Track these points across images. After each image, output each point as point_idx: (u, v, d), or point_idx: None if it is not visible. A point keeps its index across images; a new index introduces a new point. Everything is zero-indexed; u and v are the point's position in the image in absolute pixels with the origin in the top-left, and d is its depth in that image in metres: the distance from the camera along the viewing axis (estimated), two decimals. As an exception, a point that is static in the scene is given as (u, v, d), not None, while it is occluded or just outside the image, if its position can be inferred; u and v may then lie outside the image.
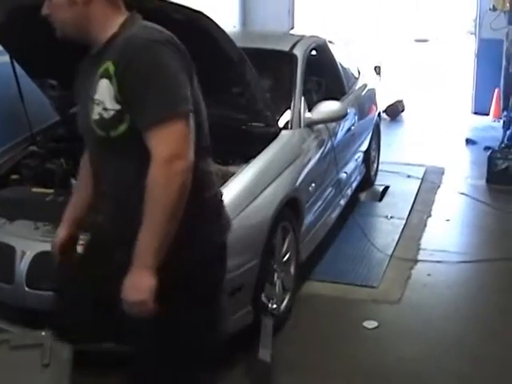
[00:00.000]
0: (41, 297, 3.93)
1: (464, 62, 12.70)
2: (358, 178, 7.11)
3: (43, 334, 3.35)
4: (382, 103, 11.09)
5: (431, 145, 10.12)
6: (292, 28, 11.44)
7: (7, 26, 4.52)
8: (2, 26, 4.55)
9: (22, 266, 3.97)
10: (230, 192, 4.23)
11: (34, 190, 4.57)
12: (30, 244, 4.04)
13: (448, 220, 6.98)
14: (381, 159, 8.30)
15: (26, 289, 3.95)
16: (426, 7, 19.12)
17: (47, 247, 3.88)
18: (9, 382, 3.14)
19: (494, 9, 11.07)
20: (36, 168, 4.87)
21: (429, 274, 5.69)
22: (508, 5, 10.70)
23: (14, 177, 4.81)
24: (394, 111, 11.80)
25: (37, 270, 3.95)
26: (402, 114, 12.00)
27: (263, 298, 4.35)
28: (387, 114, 11.65)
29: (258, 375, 3.78)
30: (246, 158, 4.61)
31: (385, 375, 4.27)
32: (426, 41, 19.04)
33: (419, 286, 5.50)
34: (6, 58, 4.99)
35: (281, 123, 5.11)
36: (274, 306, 4.52)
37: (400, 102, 11.93)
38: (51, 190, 4.53)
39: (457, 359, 4.45)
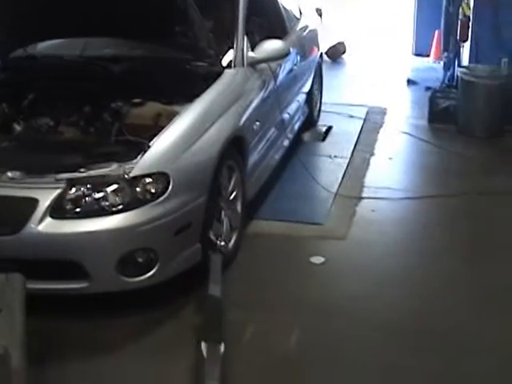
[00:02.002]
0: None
1: (406, 4, 12.74)
2: (301, 119, 7.14)
3: (-5, 279, 3.36)
4: (324, 45, 11.14)
5: (373, 86, 10.19)
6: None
7: None
8: None
9: (-33, 208, 3.90)
10: (175, 131, 4.24)
11: (-24, 135, 4.51)
12: (-26, 188, 3.97)
13: (391, 158, 7.08)
14: (323, 100, 8.33)
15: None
16: None
17: (-8, 190, 3.89)
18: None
19: None
20: (-24, 113, 4.79)
21: (373, 210, 5.80)
22: None
23: (-46, 123, 4.71)
24: (336, 53, 11.83)
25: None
26: (343, 55, 12.03)
27: (211, 235, 4.38)
28: (328, 56, 11.66)
29: (209, 310, 3.81)
30: (191, 97, 4.59)
31: (331, 309, 4.34)
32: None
33: (364, 223, 5.58)
34: None
35: (224, 62, 5.09)
36: (222, 243, 4.55)
37: (341, 43, 11.95)
38: (-8, 135, 4.46)
39: (401, 294, 4.54)
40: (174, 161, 4.08)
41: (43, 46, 5.50)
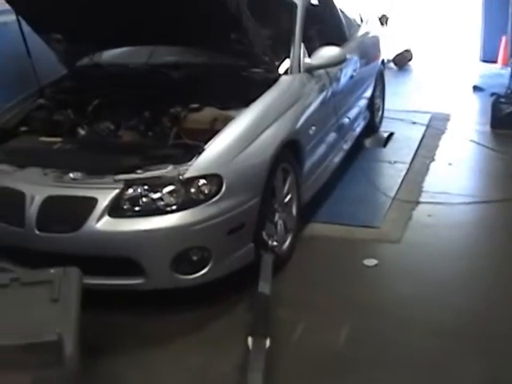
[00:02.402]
0: (50, 239, 4.11)
1: (473, 10, 12.67)
2: (362, 124, 7.22)
3: (52, 271, 3.56)
4: (390, 52, 11.19)
5: (438, 92, 10.20)
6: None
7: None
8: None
9: (32, 210, 4.13)
10: (229, 135, 4.40)
11: (42, 139, 4.74)
12: (39, 189, 4.20)
13: (450, 164, 7.10)
14: (387, 107, 8.40)
15: (37, 232, 4.12)
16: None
17: (56, 192, 4.12)
18: (20, 316, 3.33)
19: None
20: (44, 119, 5.04)
21: (429, 215, 5.83)
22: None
23: (23, 128, 4.97)
24: (402, 60, 11.85)
25: (46, 213, 4.12)
26: (410, 62, 12.03)
27: (264, 235, 4.51)
28: (395, 63, 11.71)
29: (257, 307, 3.95)
30: (246, 102, 4.74)
31: (382, 310, 4.42)
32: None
33: (420, 227, 5.63)
34: (13, 16, 5.14)
35: (281, 69, 5.23)
36: (275, 243, 4.68)
37: (408, 51, 11.96)
38: (59, 139, 4.69)
39: (454, 296, 4.57)
40: (227, 163, 4.24)
41: (109, 55, 5.74)
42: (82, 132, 4.88)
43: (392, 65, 11.75)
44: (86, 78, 5.48)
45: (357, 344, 4.04)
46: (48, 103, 5.21)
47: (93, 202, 4.05)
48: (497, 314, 4.35)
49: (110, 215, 4.04)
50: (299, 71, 5.33)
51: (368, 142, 7.64)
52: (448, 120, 8.65)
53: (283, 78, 5.12)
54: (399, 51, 11.84)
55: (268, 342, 3.65)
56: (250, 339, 3.65)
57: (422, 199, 6.15)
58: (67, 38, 5.38)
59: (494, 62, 11.72)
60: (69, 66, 5.65)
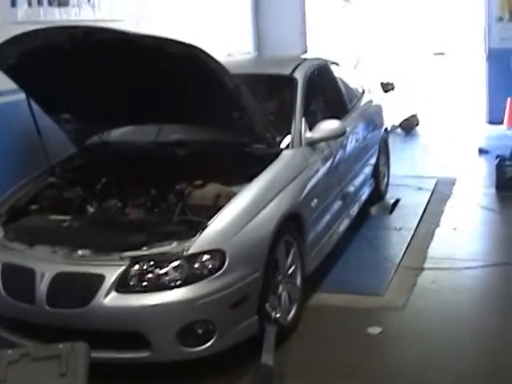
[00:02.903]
0: (60, 314, 4.26)
1: (478, 73, 12.91)
2: (367, 192, 7.37)
3: (60, 346, 3.71)
4: (397, 118, 11.39)
5: (444, 156, 10.37)
6: (305, 51, 11.71)
7: (21, 66, 4.89)
8: (16, 67, 4.92)
9: (42, 286, 4.29)
10: (232, 211, 4.56)
11: (52, 217, 4.92)
12: (48, 266, 4.36)
13: (455, 229, 7.20)
14: (394, 173, 8.55)
15: (47, 307, 4.27)
16: (439, 20, 19.32)
17: (65, 268, 4.29)
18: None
19: (501, 19, 11.31)
20: (54, 197, 5.21)
21: (434, 281, 5.92)
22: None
23: (34, 207, 5.14)
24: (409, 125, 12.04)
25: (56, 289, 4.28)
26: (417, 127, 12.22)
27: (267, 308, 4.63)
28: (402, 129, 11.91)
29: (261, 379, 4.06)
30: (249, 178, 4.92)
31: (385, 377, 4.51)
32: (442, 54, 19.23)
33: (424, 293, 5.73)
34: (23, 95, 5.36)
35: (283, 144, 5.41)
36: (278, 315, 4.79)
37: (414, 116, 12.16)
38: (68, 217, 4.87)
39: (459, 360, 4.65)
40: (230, 238, 4.39)
41: (117, 133, 5.94)
42: (90, 210, 5.06)
43: (399, 130, 11.95)
44: (95, 157, 5.67)
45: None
46: (58, 181, 5.37)
47: (100, 278, 4.21)
48: (504, 376, 4.44)
49: (117, 291, 4.19)
50: (300, 145, 5.50)
51: (374, 210, 7.78)
52: (454, 184, 8.79)
53: (284, 152, 5.30)
54: (406, 116, 12.04)
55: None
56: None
57: (426, 265, 6.25)
58: (76, 117, 5.58)
59: (501, 123, 11.89)
60: (78, 145, 5.84)
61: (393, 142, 8.91)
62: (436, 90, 14.54)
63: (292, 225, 5.03)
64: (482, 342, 4.94)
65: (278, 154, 5.25)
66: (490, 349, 4.83)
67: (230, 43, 10.14)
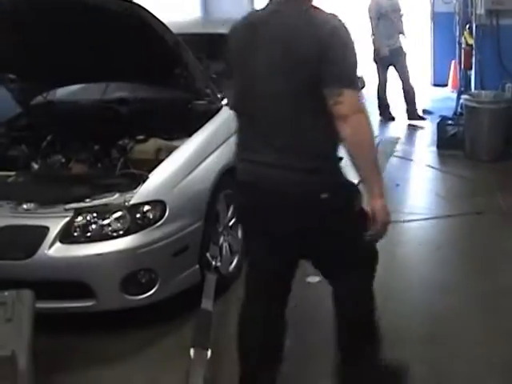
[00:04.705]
0: (6, 266, 4.38)
1: (423, 35, 13.10)
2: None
3: (6, 293, 3.83)
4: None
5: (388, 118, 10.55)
6: (253, 13, 11.78)
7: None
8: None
9: (-12, 238, 4.40)
10: (172, 164, 4.71)
11: (-3, 173, 5.03)
12: (-6, 220, 4.47)
13: (398, 185, 7.42)
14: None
15: (-7, 258, 4.38)
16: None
17: (10, 222, 4.39)
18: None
19: (445, -18, 11.47)
20: (0, 156, 5.31)
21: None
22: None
23: (-21, 165, 5.23)
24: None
25: (1, 242, 4.40)
26: (363, 90, 12.34)
27: (208, 257, 4.81)
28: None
29: (200, 321, 4.23)
30: (190, 132, 5.06)
31: (322, 321, 4.69)
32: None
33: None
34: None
35: (225, 101, 5.53)
36: (219, 263, 4.96)
37: (359, 78, 12.25)
38: (12, 173, 4.97)
39: (393, 308, 4.78)
40: (170, 190, 4.55)
41: (63, 93, 6.04)
42: (35, 166, 5.15)
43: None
44: (40, 116, 5.76)
45: (298, 355, 4.31)
46: (3, 140, 5.48)
47: (45, 230, 4.33)
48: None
49: (62, 242, 4.32)
50: (241, 101, 5.63)
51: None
52: (396, 143, 9.00)
53: (225, 108, 5.42)
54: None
55: (209, 353, 3.92)
56: (191, 350, 3.92)
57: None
58: (21, 77, 5.66)
59: (445, 85, 12.11)
60: (23, 105, 5.93)
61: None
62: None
63: (232, 179, 5.17)
64: (422, 291, 5.13)
65: (218, 109, 5.38)
66: (429, 299, 5.02)
67: (177, 8, 10.20)
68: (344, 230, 3.25)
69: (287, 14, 3.18)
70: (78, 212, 4.36)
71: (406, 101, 10.38)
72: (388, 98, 10.55)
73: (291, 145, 3.16)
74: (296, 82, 3.10)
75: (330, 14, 3.15)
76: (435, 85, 12.46)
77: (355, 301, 3.56)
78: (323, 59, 3.03)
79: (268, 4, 3.30)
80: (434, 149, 8.60)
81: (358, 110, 3.05)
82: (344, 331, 3.61)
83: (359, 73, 3.20)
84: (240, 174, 3.43)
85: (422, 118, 10.30)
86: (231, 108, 3.60)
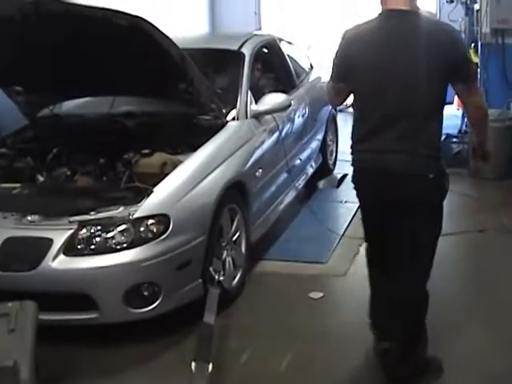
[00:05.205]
0: (10, 277, 4.40)
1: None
2: (314, 166, 7.58)
3: (9, 304, 3.86)
4: (349, 98, 11.52)
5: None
6: (259, 29, 11.89)
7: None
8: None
9: (-7, 250, 4.42)
10: (177, 178, 4.74)
11: (2, 185, 5.05)
12: (-1, 231, 4.49)
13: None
14: (343, 150, 8.70)
15: (-2, 271, 4.41)
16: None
17: (15, 233, 4.42)
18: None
19: (451, 1, 11.50)
20: (5, 167, 5.34)
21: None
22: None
23: (-15, 176, 5.26)
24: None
25: (6, 254, 4.41)
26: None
27: (211, 271, 4.82)
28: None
29: (202, 334, 4.24)
30: (195, 147, 5.10)
31: (324, 337, 4.72)
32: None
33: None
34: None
35: (229, 116, 5.59)
36: (222, 278, 4.98)
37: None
38: (18, 185, 5.00)
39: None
40: (174, 204, 4.57)
41: (70, 106, 6.09)
42: (40, 178, 5.18)
43: (351, 109, 12.07)
44: (46, 128, 5.80)
45: (298, 369, 4.33)
46: (9, 152, 5.51)
47: (49, 242, 4.35)
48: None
49: (65, 254, 4.34)
50: (246, 117, 5.69)
51: (321, 184, 8.01)
52: (401, 161, 8.98)
53: (230, 123, 5.48)
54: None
55: (210, 367, 3.93)
56: (193, 364, 3.93)
57: (369, 235, 6.46)
58: (27, 89, 5.71)
59: (451, 103, 12.10)
60: (30, 117, 5.98)
61: (344, 120, 9.10)
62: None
63: (236, 193, 5.22)
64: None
65: (223, 125, 5.43)
66: (430, 315, 5.00)
67: (184, 24, 10.27)
68: (438, 206, 4.20)
69: (411, 19, 3.70)
70: (83, 224, 4.39)
71: None
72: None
73: (420, 135, 3.80)
74: (432, 81, 3.66)
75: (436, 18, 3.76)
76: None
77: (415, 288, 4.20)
78: (457, 59, 3.68)
79: (381, 15, 3.76)
80: (439, 166, 8.56)
81: (482, 99, 4.00)
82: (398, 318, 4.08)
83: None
84: (366, 162, 3.95)
85: None
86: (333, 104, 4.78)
